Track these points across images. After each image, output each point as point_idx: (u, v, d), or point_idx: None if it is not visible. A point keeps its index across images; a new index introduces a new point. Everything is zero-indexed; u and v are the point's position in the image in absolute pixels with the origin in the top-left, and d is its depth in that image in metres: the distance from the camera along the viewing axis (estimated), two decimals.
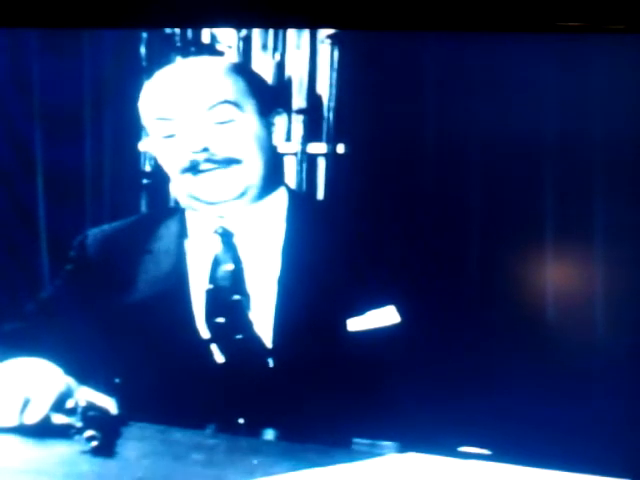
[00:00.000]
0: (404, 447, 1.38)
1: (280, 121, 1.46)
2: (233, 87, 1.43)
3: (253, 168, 1.43)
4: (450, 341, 1.38)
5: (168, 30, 1.50)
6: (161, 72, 1.47)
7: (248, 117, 1.43)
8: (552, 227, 1.37)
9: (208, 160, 1.42)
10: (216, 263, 1.46)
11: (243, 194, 1.44)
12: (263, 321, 1.44)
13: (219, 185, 1.43)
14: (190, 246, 1.48)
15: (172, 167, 1.45)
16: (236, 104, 1.42)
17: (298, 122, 1.47)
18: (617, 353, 1.35)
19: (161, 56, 1.49)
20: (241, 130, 1.43)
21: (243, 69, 1.47)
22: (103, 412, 1.42)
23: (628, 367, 1.35)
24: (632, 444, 1.34)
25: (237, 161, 1.42)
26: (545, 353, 1.37)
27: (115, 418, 1.43)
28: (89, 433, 1.34)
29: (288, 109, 1.47)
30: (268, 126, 1.45)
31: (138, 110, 1.48)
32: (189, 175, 1.43)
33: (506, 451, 1.35)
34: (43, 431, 1.37)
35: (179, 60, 1.49)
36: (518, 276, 1.39)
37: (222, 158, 1.42)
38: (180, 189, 1.47)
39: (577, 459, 1.31)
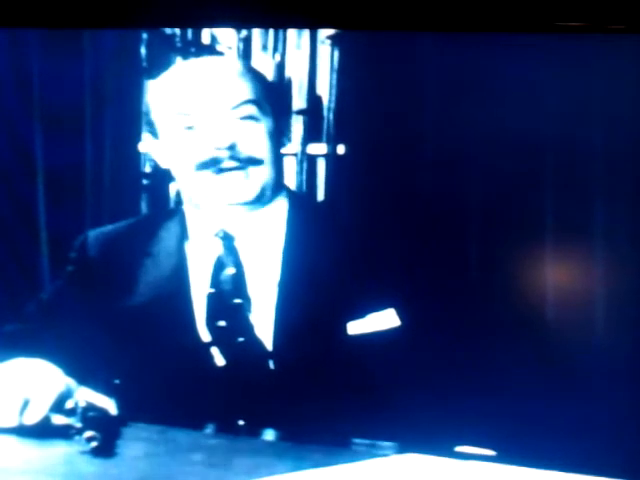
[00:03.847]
0: (404, 447, 1.38)
1: (293, 125, 1.46)
2: (253, 88, 1.42)
3: (270, 170, 1.42)
4: (449, 343, 1.39)
5: (168, 30, 1.50)
6: (179, 67, 1.46)
7: (268, 119, 1.42)
8: (552, 229, 1.37)
9: (232, 158, 1.40)
10: (217, 267, 1.45)
11: (261, 196, 1.42)
12: (264, 324, 1.44)
13: (240, 185, 1.41)
14: (190, 249, 1.48)
15: (188, 164, 1.42)
16: (258, 104, 1.41)
17: (298, 123, 1.47)
18: (617, 353, 1.35)
19: (161, 56, 1.48)
20: (264, 130, 1.42)
21: (259, 73, 1.46)
22: (103, 413, 1.43)
23: (628, 367, 1.35)
24: (631, 444, 1.34)
25: (259, 161, 1.41)
26: (544, 354, 1.37)
27: (115, 419, 1.43)
28: (89, 434, 1.35)
29: (288, 110, 1.47)
30: (283, 129, 1.45)
31: (138, 110, 1.47)
32: (208, 172, 1.41)
33: (505, 451, 1.35)
34: (43, 431, 1.37)
35: (194, 59, 1.47)
36: (518, 278, 1.39)
37: (246, 157, 1.40)
38: (194, 187, 1.44)
39: (576, 459, 1.31)
